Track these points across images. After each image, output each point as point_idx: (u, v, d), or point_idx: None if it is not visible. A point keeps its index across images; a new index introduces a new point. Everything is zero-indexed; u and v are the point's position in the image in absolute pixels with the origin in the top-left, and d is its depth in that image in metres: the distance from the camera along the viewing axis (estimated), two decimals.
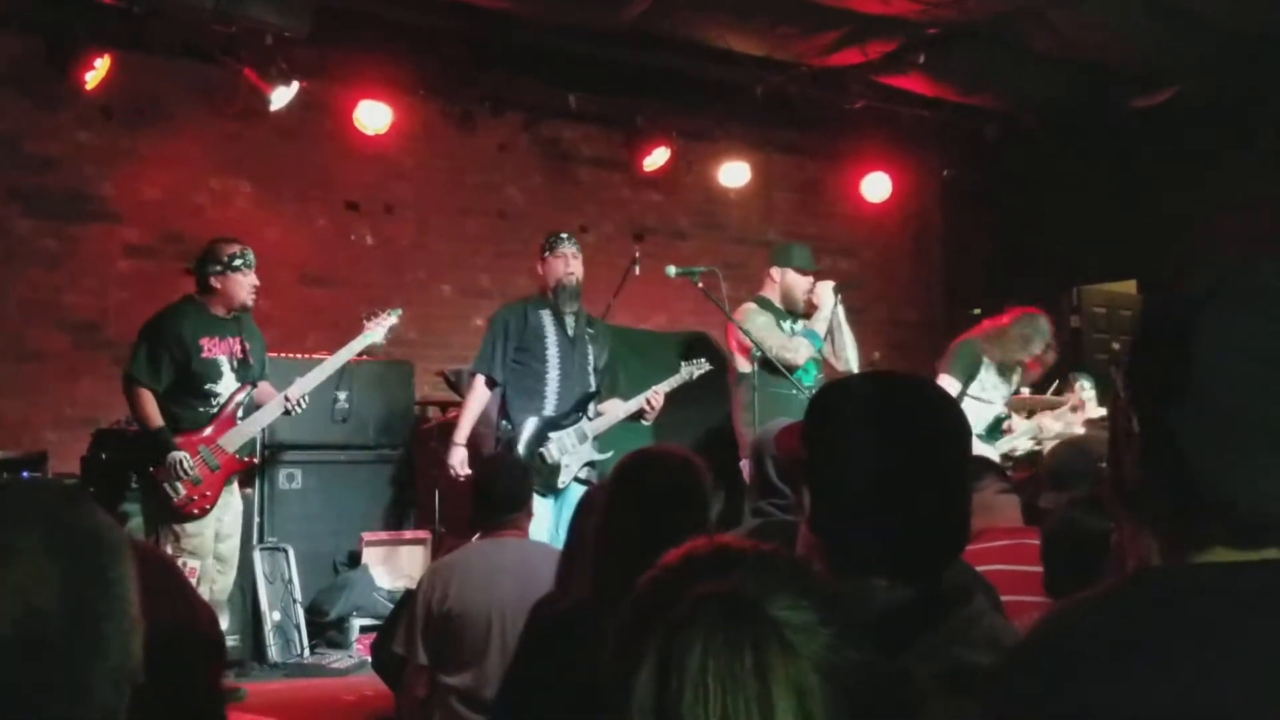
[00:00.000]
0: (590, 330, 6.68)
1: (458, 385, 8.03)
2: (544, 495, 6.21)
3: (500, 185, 10.21)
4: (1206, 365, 1.28)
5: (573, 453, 6.40)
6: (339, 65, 8.88)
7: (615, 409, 6.57)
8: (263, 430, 7.30)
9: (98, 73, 7.89)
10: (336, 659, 7.17)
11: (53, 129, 8.44)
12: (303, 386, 6.39)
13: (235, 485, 6.44)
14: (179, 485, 6.05)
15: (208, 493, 6.14)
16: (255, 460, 6.62)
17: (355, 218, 9.55)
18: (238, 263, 6.26)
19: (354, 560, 7.76)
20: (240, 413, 6.32)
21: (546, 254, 6.63)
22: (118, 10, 7.18)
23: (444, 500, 7.85)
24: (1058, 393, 8.56)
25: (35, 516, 1.45)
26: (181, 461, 6.03)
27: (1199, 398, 1.29)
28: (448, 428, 8.11)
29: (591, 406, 6.57)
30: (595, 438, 6.50)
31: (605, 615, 2.70)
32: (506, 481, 4.62)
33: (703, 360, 6.69)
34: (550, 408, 6.47)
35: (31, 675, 1.38)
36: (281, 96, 8.15)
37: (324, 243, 9.37)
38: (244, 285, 6.28)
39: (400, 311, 6.83)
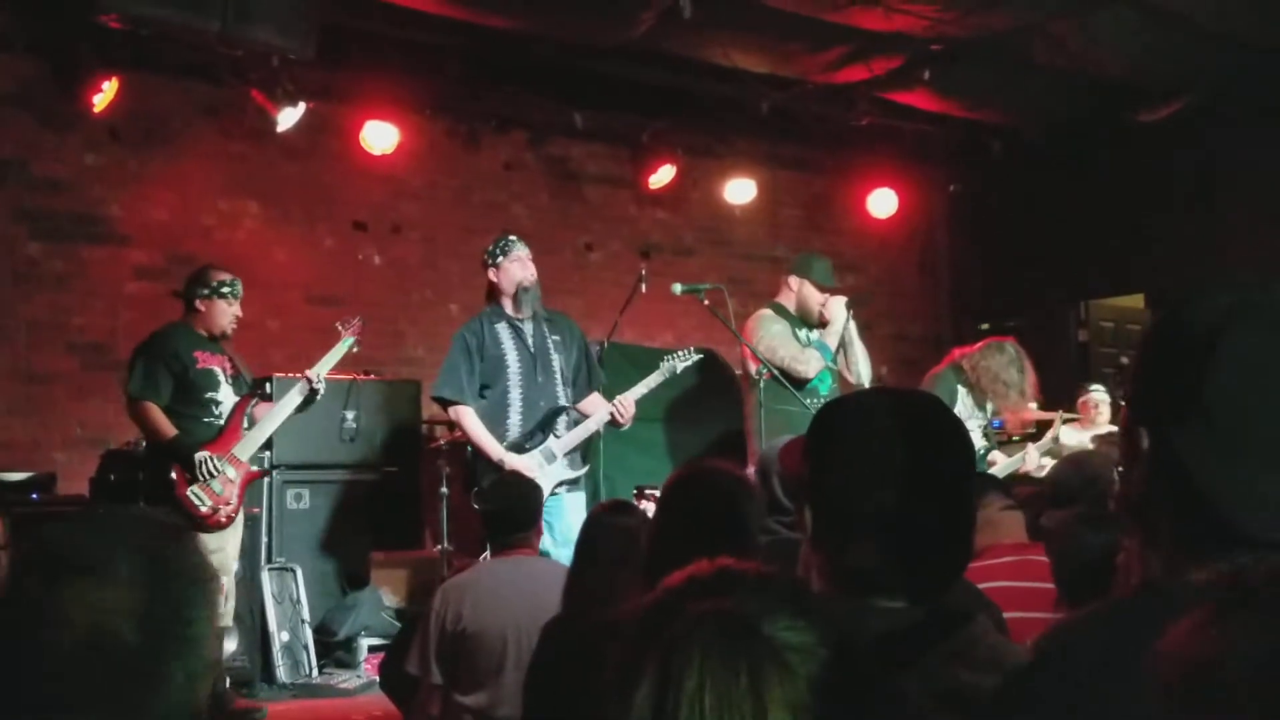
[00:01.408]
0: (555, 336, 6.38)
1: None
2: None
3: (507, 204, 10.23)
4: (1221, 388, 1.29)
5: (540, 475, 6.01)
6: (345, 86, 8.91)
7: (589, 420, 6.28)
8: (270, 450, 7.33)
9: (105, 95, 7.92)
10: (345, 679, 7.16)
11: (60, 151, 8.47)
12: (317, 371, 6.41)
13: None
14: (204, 496, 6.03)
15: (231, 501, 6.14)
16: (269, 471, 6.57)
17: (362, 238, 9.56)
18: (225, 289, 6.39)
19: (362, 580, 7.76)
20: (245, 423, 6.31)
21: (500, 259, 6.37)
22: (124, 33, 7.21)
23: (451, 519, 7.85)
24: (1071, 406, 8.56)
25: (136, 543, 1.50)
26: (207, 460, 6.02)
27: (1210, 418, 1.29)
28: (455, 447, 8.11)
29: (562, 420, 6.29)
30: (567, 454, 6.24)
31: None
32: (515, 501, 4.61)
33: (686, 351, 6.47)
34: (515, 431, 6.20)
35: (92, 691, 1.42)
36: (288, 117, 8.18)
37: (331, 263, 9.39)
38: (226, 313, 6.37)
39: (360, 319, 6.88)
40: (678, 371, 6.41)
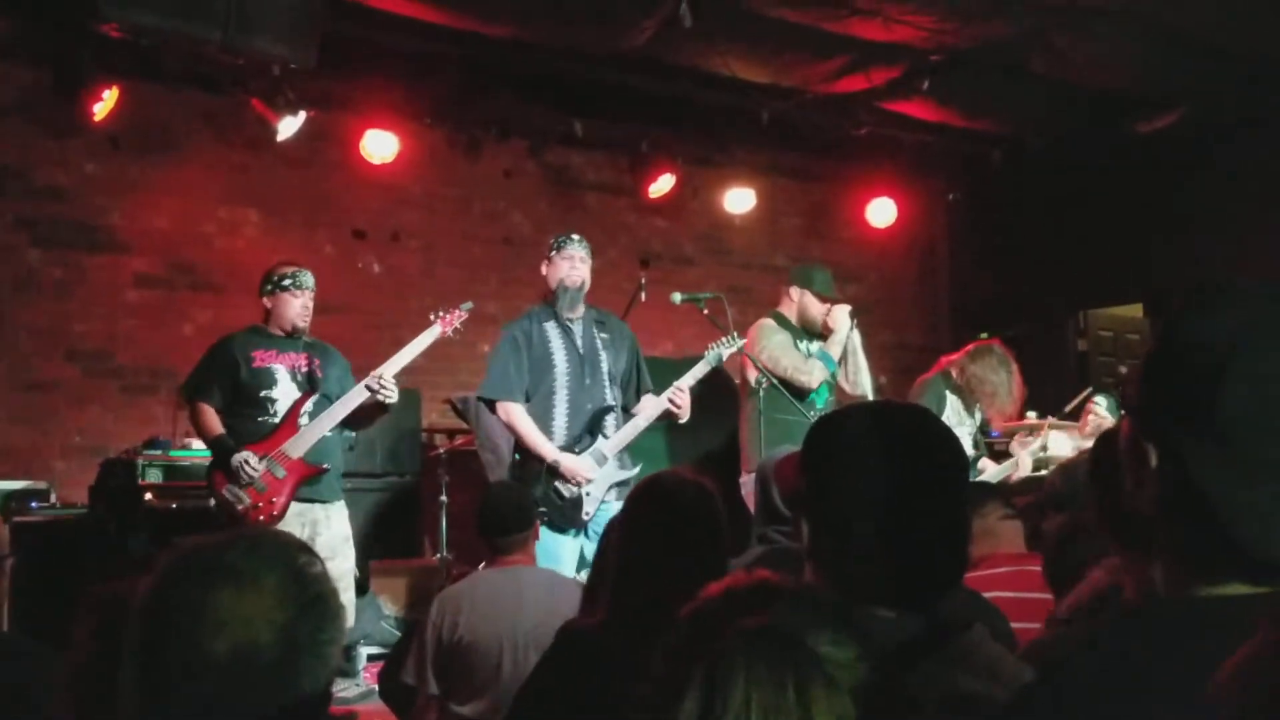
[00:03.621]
0: (604, 334, 6.17)
1: (465, 413, 8.03)
2: (569, 532, 5.80)
3: (506, 212, 10.25)
4: (1237, 407, 1.27)
5: (593, 478, 5.90)
6: (345, 94, 8.93)
7: (639, 417, 6.04)
8: None
9: (106, 103, 7.93)
10: (343, 688, 7.15)
11: (61, 159, 8.49)
12: (385, 370, 6.11)
13: (337, 508, 6.31)
14: (241, 493, 5.89)
15: (274, 499, 5.95)
16: (327, 466, 6.18)
17: (362, 246, 9.58)
18: (286, 282, 6.21)
19: (361, 588, 7.75)
20: (304, 419, 6.10)
21: (553, 254, 6.18)
22: (125, 42, 7.22)
23: (451, 527, 7.85)
24: (1074, 414, 8.56)
25: (279, 561, 1.61)
26: (247, 461, 5.87)
27: (1225, 437, 1.28)
28: (455, 455, 8.13)
29: (611, 420, 6.04)
30: (618, 455, 5.99)
31: (620, 639, 2.73)
32: (499, 507, 4.59)
33: (729, 338, 6.25)
34: (561, 434, 5.95)
35: (235, 692, 1.53)
36: (288, 126, 8.19)
37: (331, 271, 9.36)
38: (292, 305, 6.18)
39: (470, 305, 6.43)
40: (724, 359, 6.23)
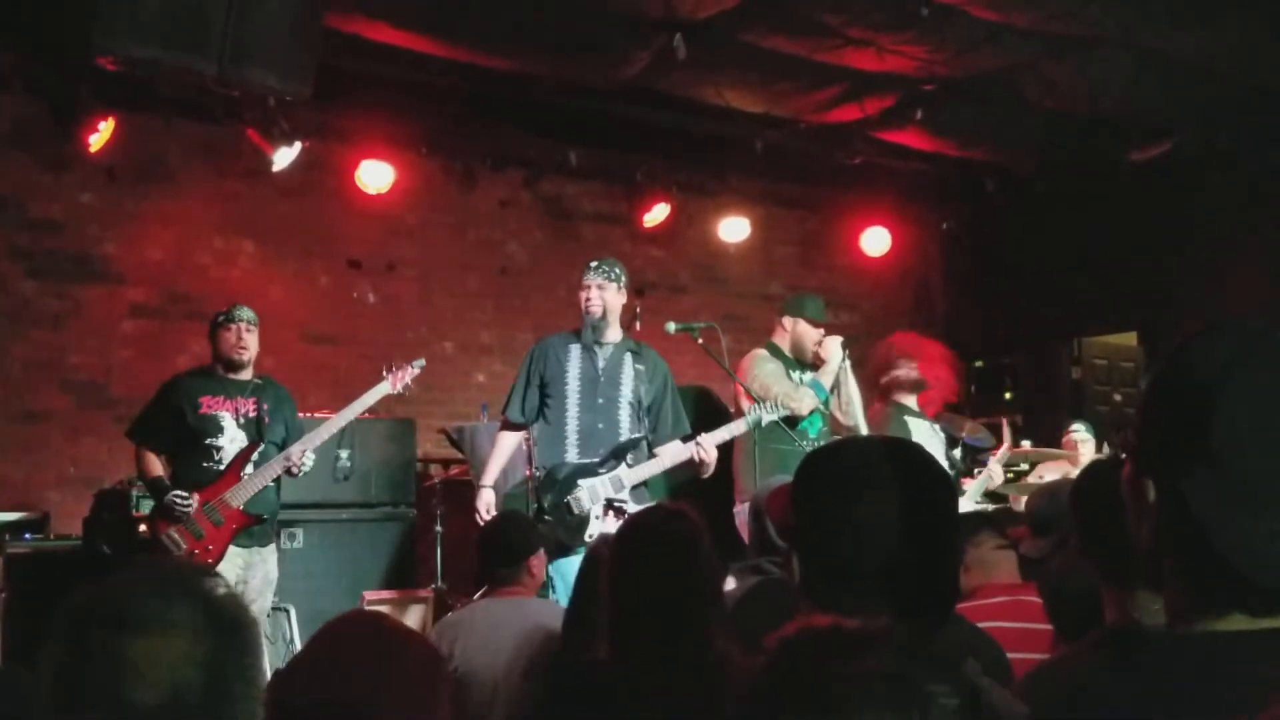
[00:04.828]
0: (639, 365, 6.19)
1: (459, 443, 8.02)
2: (575, 551, 5.70)
3: (502, 241, 10.26)
4: (1228, 437, 1.27)
5: (604, 502, 5.91)
6: (341, 124, 8.95)
7: (663, 456, 6.08)
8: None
9: (101, 135, 7.96)
10: None
11: (57, 190, 8.50)
12: (305, 444, 6.31)
13: (269, 551, 6.43)
14: (179, 539, 6.01)
15: (210, 546, 6.08)
16: (265, 517, 6.33)
17: (357, 276, 9.58)
18: (220, 318, 6.43)
19: None
20: (249, 469, 6.25)
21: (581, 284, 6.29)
22: (121, 74, 7.24)
23: (446, 558, 7.83)
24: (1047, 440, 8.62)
25: (188, 596, 1.55)
26: (176, 497, 6.03)
27: (1219, 467, 1.28)
28: (451, 485, 8.11)
29: (636, 453, 6.06)
30: (635, 487, 5.98)
31: (624, 674, 2.74)
32: (502, 535, 4.58)
33: (772, 404, 6.24)
34: (573, 449, 5.99)
35: None
36: (284, 156, 8.22)
37: (326, 301, 9.41)
38: (226, 339, 6.37)
39: (423, 362, 6.71)
40: (763, 424, 6.25)
